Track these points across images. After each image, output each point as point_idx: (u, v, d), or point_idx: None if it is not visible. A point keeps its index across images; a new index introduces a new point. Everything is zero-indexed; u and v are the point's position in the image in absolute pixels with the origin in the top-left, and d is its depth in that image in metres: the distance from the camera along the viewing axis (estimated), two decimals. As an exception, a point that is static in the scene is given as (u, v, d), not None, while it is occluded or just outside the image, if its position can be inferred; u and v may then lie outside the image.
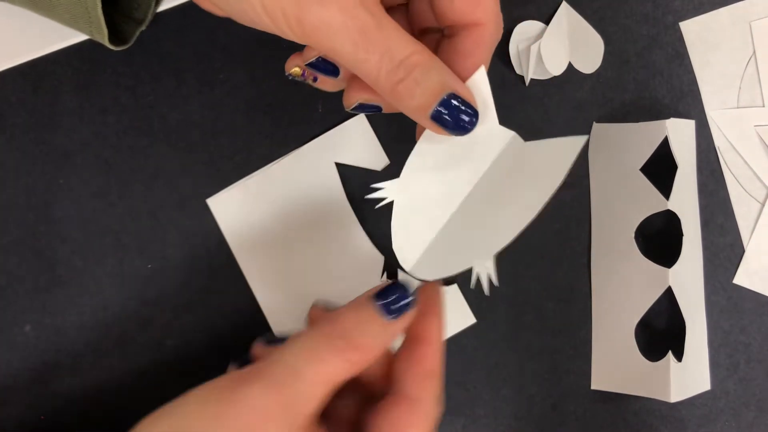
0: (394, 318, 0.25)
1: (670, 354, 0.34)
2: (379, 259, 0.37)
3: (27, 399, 0.35)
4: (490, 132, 0.27)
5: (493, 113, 0.28)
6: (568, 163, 0.27)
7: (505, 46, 0.37)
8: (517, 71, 0.37)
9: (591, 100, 0.37)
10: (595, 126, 0.37)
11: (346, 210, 0.37)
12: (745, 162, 0.37)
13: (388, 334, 0.25)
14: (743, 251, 0.38)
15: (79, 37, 0.35)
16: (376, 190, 0.28)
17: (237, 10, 0.24)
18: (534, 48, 0.36)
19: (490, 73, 0.37)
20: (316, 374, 0.24)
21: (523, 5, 0.37)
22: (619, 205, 0.36)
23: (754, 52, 0.37)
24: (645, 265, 0.35)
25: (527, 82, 0.37)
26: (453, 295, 0.36)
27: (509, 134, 0.28)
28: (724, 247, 0.38)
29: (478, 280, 0.27)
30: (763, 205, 0.37)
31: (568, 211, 0.37)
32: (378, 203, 0.28)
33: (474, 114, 0.26)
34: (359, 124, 0.37)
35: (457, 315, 0.37)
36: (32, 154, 0.36)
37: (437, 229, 0.28)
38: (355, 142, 0.37)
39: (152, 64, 0.36)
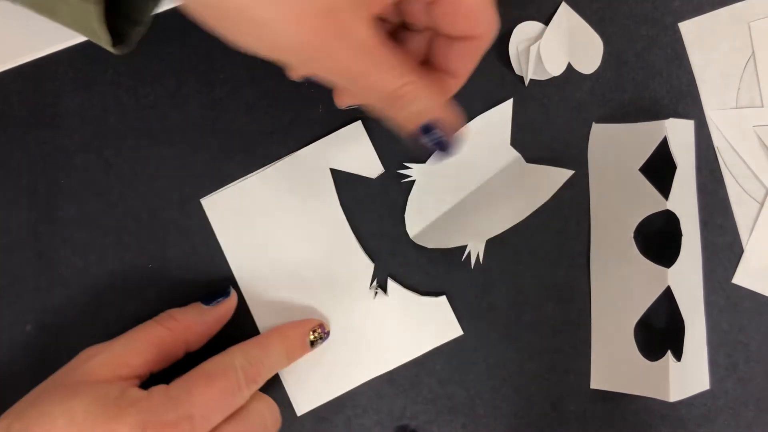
0: (207, 305, 0.34)
1: (669, 353, 0.34)
2: (369, 266, 0.37)
3: (28, 399, 0.35)
4: (502, 149, 0.37)
5: (508, 135, 0.37)
6: (554, 187, 0.36)
7: (504, 47, 0.37)
8: (517, 72, 0.37)
9: (590, 100, 0.37)
10: (595, 126, 0.37)
11: (339, 216, 0.36)
12: (744, 162, 0.37)
13: (204, 315, 0.34)
14: (742, 251, 0.38)
15: (81, 38, 0.35)
16: (407, 168, 0.37)
17: (244, 44, 0.24)
18: (533, 48, 0.36)
19: (490, 73, 0.37)
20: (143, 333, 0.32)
21: (523, 6, 0.37)
22: (619, 205, 0.36)
23: (753, 52, 0.38)
24: (644, 265, 0.35)
25: (527, 82, 0.37)
26: (441, 308, 0.37)
27: (515, 154, 0.37)
28: (723, 246, 0.38)
29: (468, 256, 0.37)
30: (762, 204, 0.37)
31: (567, 211, 0.37)
32: (404, 178, 0.37)
33: (448, 144, 0.27)
34: (356, 131, 0.36)
35: (444, 327, 0.37)
36: (33, 153, 0.36)
37: (443, 211, 0.37)
38: (351, 148, 0.37)
39: (153, 65, 0.36)
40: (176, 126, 0.36)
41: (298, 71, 0.27)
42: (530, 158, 0.37)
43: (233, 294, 0.35)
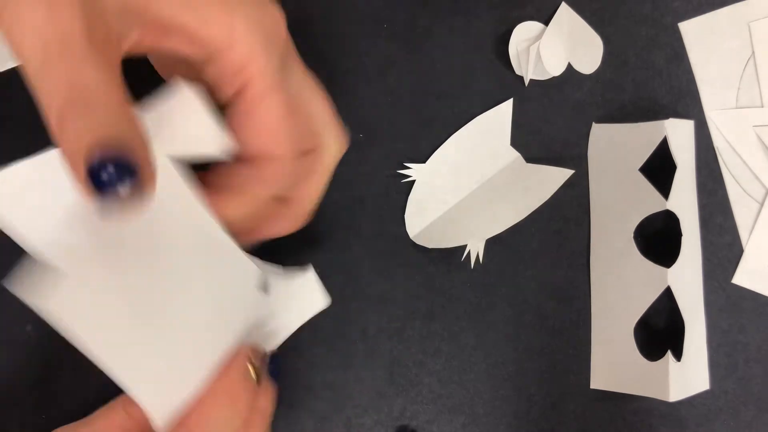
0: None
1: (669, 353, 0.34)
2: (253, 271, 0.28)
3: (28, 399, 0.35)
4: (502, 149, 0.37)
5: (508, 135, 0.37)
6: (554, 187, 0.36)
7: (504, 47, 0.37)
8: (517, 72, 0.37)
9: (590, 100, 0.37)
10: (595, 126, 0.37)
11: (200, 214, 0.25)
12: (744, 162, 0.38)
13: None
14: (742, 251, 0.38)
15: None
16: (407, 168, 0.36)
17: None
18: (533, 49, 0.36)
19: (490, 73, 0.37)
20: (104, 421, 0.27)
21: (523, 6, 0.37)
22: (618, 206, 0.36)
23: (753, 52, 0.38)
24: (644, 265, 0.35)
25: (527, 82, 0.37)
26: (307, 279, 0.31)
27: (515, 154, 0.37)
28: (723, 246, 0.38)
29: (468, 255, 0.36)
30: (762, 204, 0.37)
31: (567, 211, 0.37)
32: (404, 178, 0.36)
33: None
34: (184, 101, 0.24)
35: (307, 300, 0.31)
36: (33, 153, 0.36)
37: (443, 211, 0.36)
38: (182, 125, 0.25)
39: (152, 65, 0.36)
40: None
41: None
42: (530, 158, 0.37)
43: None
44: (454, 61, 0.37)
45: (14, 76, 0.36)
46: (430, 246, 0.36)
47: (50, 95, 0.18)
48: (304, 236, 0.37)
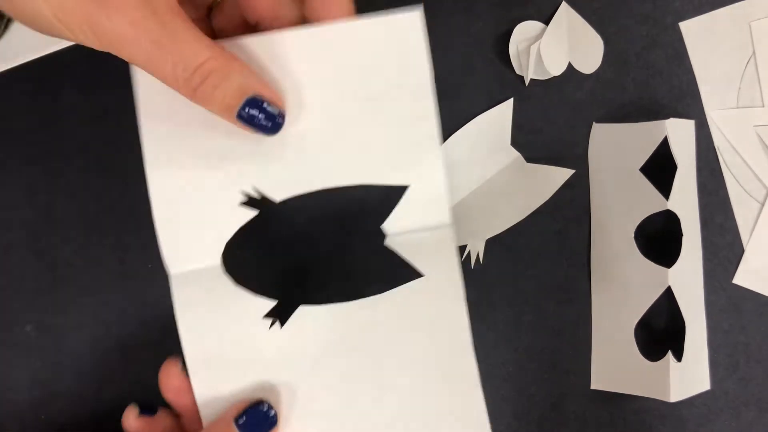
0: None
1: (669, 354, 0.34)
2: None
3: (27, 399, 0.35)
4: (502, 149, 0.36)
5: (509, 135, 0.36)
6: (554, 187, 0.36)
7: (505, 46, 0.37)
8: (517, 71, 0.37)
9: (591, 100, 0.37)
10: (595, 126, 0.37)
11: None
12: (745, 162, 0.37)
13: None
14: (742, 251, 0.38)
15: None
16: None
17: (29, 18, 0.23)
18: (534, 48, 0.36)
19: (490, 73, 0.37)
20: None
21: (523, 5, 0.37)
22: (619, 205, 0.36)
23: (754, 52, 0.37)
24: (645, 265, 0.35)
25: (527, 82, 0.37)
26: None
27: (515, 154, 0.36)
28: (724, 246, 0.38)
29: (468, 255, 0.37)
30: (762, 204, 0.37)
31: (568, 211, 0.37)
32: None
33: (277, 115, 0.25)
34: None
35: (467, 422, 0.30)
36: (34, 154, 0.36)
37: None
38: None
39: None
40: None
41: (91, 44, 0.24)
42: (530, 158, 0.37)
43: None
44: (454, 61, 0.37)
45: (15, 75, 0.36)
46: None
47: (173, 76, 0.24)
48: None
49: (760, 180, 0.37)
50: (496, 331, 0.37)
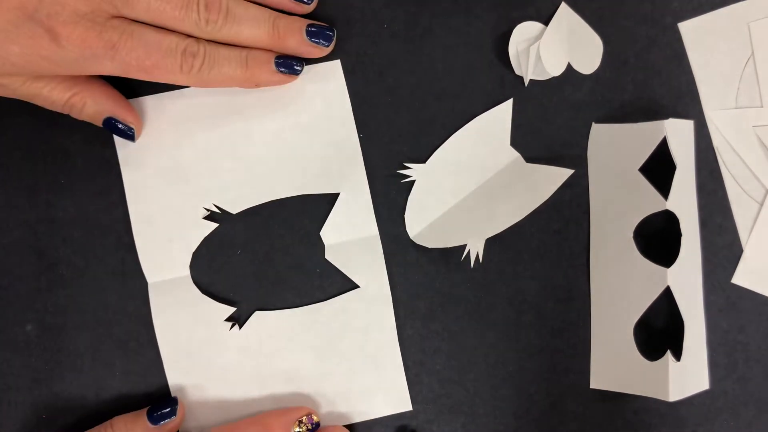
0: (154, 425, 0.33)
1: (668, 353, 0.34)
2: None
3: (27, 399, 0.35)
4: (502, 149, 0.37)
5: (508, 135, 0.37)
6: (553, 186, 0.37)
7: (504, 47, 0.37)
8: (517, 72, 0.37)
9: (590, 100, 0.37)
10: (594, 127, 0.37)
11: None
12: (744, 162, 0.38)
13: None
14: (742, 251, 0.38)
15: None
16: (407, 168, 0.37)
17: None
18: (533, 49, 0.36)
19: (490, 73, 0.38)
20: None
21: (523, 6, 0.37)
22: (618, 206, 0.36)
23: (753, 52, 0.38)
24: (644, 265, 0.35)
25: (526, 82, 0.37)
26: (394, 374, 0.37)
27: (515, 154, 0.37)
28: (723, 246, 0.38)
29: (468, 255, 0.37)
30: (761, 204, 0.37)
31: (567, 211, 0.37)
32: (404, 178, 0.37)
33: (128, 132, 0.34)
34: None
35: (393, 397, 0.37)
36: (33, 153, 0.36)
37: (443, 211, 0.37)
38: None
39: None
40: (176, 126, 0.36)
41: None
42: (530, 158, 0.37)
43: (180, 409, 0.34)
44: (454, 61, 0.37)
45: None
46: (430, 246, 0.36)
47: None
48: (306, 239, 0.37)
49: (759, 180, 0.37)
50: (495, 330, 0.37)
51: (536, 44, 0.36)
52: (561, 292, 0.37)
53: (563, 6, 0.37)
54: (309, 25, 0.34)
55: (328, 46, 0.35)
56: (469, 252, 0.37)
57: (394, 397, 0.36)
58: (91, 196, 0.36)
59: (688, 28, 0.38)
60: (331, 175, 0.36)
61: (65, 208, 0.36)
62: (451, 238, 0.36)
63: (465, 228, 0.36)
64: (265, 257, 0.36)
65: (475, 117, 0.37)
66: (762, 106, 0.37)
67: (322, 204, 0.37)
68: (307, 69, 0.36)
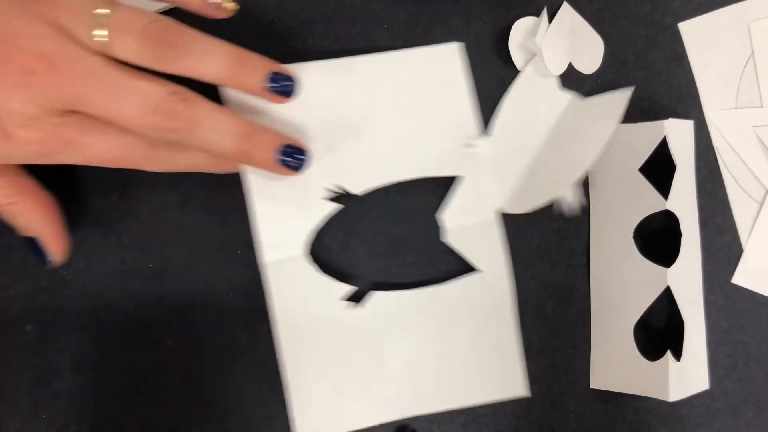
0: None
1: (668, 353, 0.34)
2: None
3: (27, 399, 0.35)
4: (554, 96, 0.37)
5: (555, 81, 0.37)
6: (620, 111, 0.35)
7: (504, 47, 0.37)
8: (519, 68, 0.37)
9: (590, 100, 0.37)
10: (595, 126, 0.37)
11: None
12: (744, 162, 0.38)
13: None
14: (741, 251, 0.38)
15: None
16: (470, 146, 0.36)
17: None
18: (533, 46, 0.36)
19: (490, 74, 0.37)
20: None
21: (523, 6, 0.37)
22: (618, 206, 0.36)
23: (753, 52, 0.38)
24: (644, 265, 0.35)
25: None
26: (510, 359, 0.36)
27: (568, 96, 0.37)
28: (723, 246, 0.38)
29: (561, 207, 0.37)
30: (761, 205, 0.38)
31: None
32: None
33: (46, 258, 0.33)
34: None
35: (509, 382, 0.36)
36: (33, 154, 0.36)
37: (522, 174, 0.36)
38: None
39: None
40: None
41: None
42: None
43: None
44: (454, 61, 0.37)
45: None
46: (526, 210, 0.36)
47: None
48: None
49: (759, 180, 0.37)
50: (495, 330, 0.37)
51: (536, 40, 0.36)
52: (561, 292, 0.37)
53: (565, 5, 0.37)
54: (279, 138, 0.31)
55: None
56: (561, 204, 0.36)
57: (510, 382, 0.36)
58: (91, 196, 0.36)
59: (688, 28, 0.38)
60: (452, 157, 0.36)
61: (65, 209, 0.36)
62: (542, 195, 0.36)
63: (550, 182, 0.36)
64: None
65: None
66: (762, 106, 0.37)
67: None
68: (428, 50, 0.36)
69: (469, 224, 0.36)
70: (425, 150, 0.36)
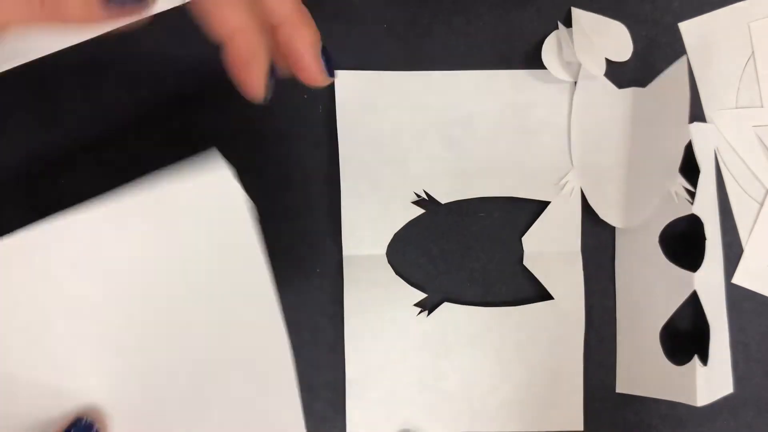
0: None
1: (696, 358, 0.34)
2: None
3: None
4: (614, 97, 0.36)
5: (608, 84, 0.36)
6: (684, 78, 0.34)
7: (504, 47, 0.37)
8: (557, 75, 0.36)
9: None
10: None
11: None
12: (744, 162, 0.38)
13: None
14: (742, 251, 0.38)
15: (82, 38, 0.35)
16: (563, 184, 0.36)
17: None
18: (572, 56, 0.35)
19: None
20: None
21: (523, 6, 0.37)
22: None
23: (753, 52, 0.38)
24: (670, 269, 0.35)
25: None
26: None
27: (626, 92, 0.36)
28: (723, 246, 0.38)
29: (676, 197, 0.35)
30: (761, 205, 0.37)
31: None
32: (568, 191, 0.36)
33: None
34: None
35: (567, 414, 0.36)
36: (33, 154, 0.36)
37: (620, 181, 0.36)
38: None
39: (153, 65, 0.36)
40: (178, 127, 0.36)
41: None
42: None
43: None
44: (453, 61, 0.37)
45: (15, 76, 0.36)
46: (632, 224, 0.36)
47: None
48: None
49: (759, 180, 0.37)
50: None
51: (575, 50, 0.35)
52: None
53: (574, 10, 0.36)
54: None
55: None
56: (676, 194, 0.35)
57: (570, 414, 0.36)
58: (91, 196, 0.36)
59: (688, 28, 0.38)
60: (544, 182, 0.36)
61: (65, 208, 0.36)
62: (648, 195, 0.35)
63: (649, 179, 0.35)
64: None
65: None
66: (762, 106, 0.37)
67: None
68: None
69: (553, 252, 0.36)
70: (519, 171, 0.36)
